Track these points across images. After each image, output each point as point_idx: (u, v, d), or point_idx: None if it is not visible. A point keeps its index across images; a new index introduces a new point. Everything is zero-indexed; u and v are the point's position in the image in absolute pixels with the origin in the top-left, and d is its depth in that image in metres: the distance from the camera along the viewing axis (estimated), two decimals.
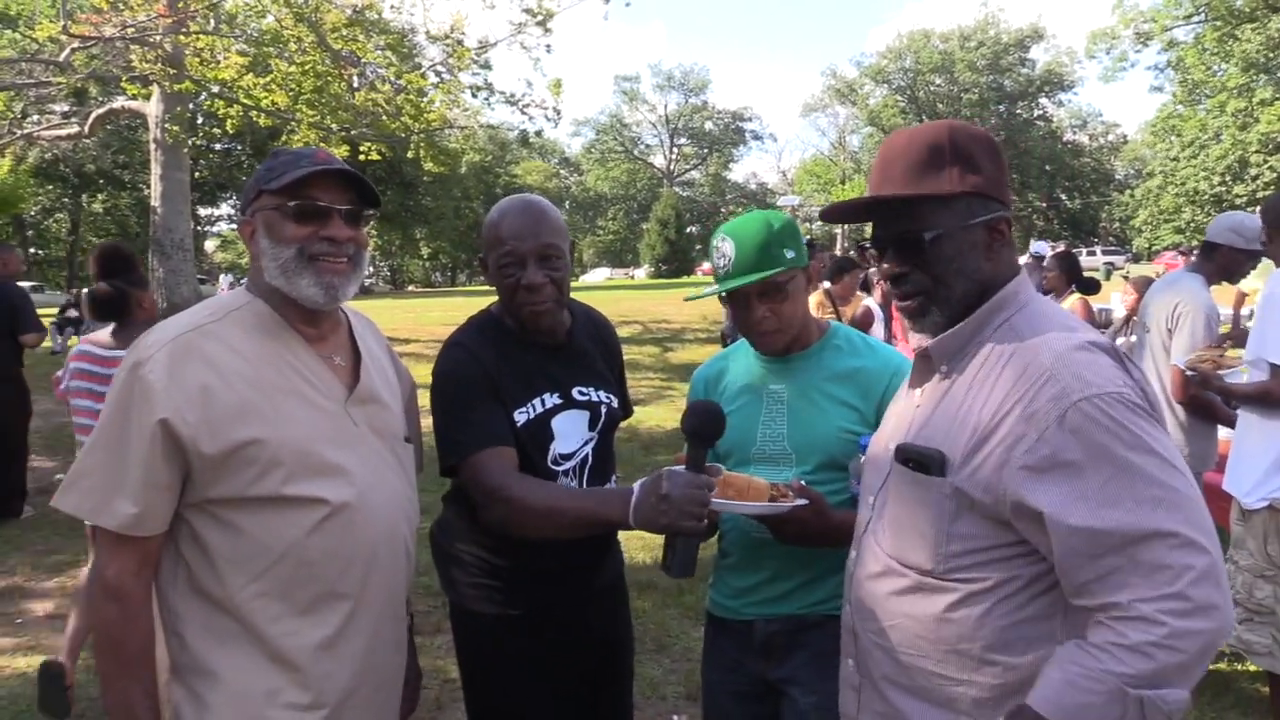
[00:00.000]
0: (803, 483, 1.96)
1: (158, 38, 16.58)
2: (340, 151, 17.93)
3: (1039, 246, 13.31)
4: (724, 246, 2.06)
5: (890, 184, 1.55)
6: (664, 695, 4.15)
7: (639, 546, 5.89)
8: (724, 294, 2.07)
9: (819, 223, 77.05)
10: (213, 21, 16.86)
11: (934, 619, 1.49)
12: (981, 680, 1.45)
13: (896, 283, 1.58)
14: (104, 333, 4.25)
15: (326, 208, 1.73)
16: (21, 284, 7.31)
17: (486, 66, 19.59)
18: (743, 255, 2.03)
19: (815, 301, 6.41)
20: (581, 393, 2.28)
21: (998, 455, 1.40)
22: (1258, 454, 3.42)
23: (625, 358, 2.63)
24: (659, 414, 10.44)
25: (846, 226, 63.58)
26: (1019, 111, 69.54)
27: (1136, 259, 54.24)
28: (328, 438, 1.75)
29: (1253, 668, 3.98)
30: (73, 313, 16.85)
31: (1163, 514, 1.30)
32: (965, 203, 1.52)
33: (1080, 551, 1.34)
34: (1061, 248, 12.95)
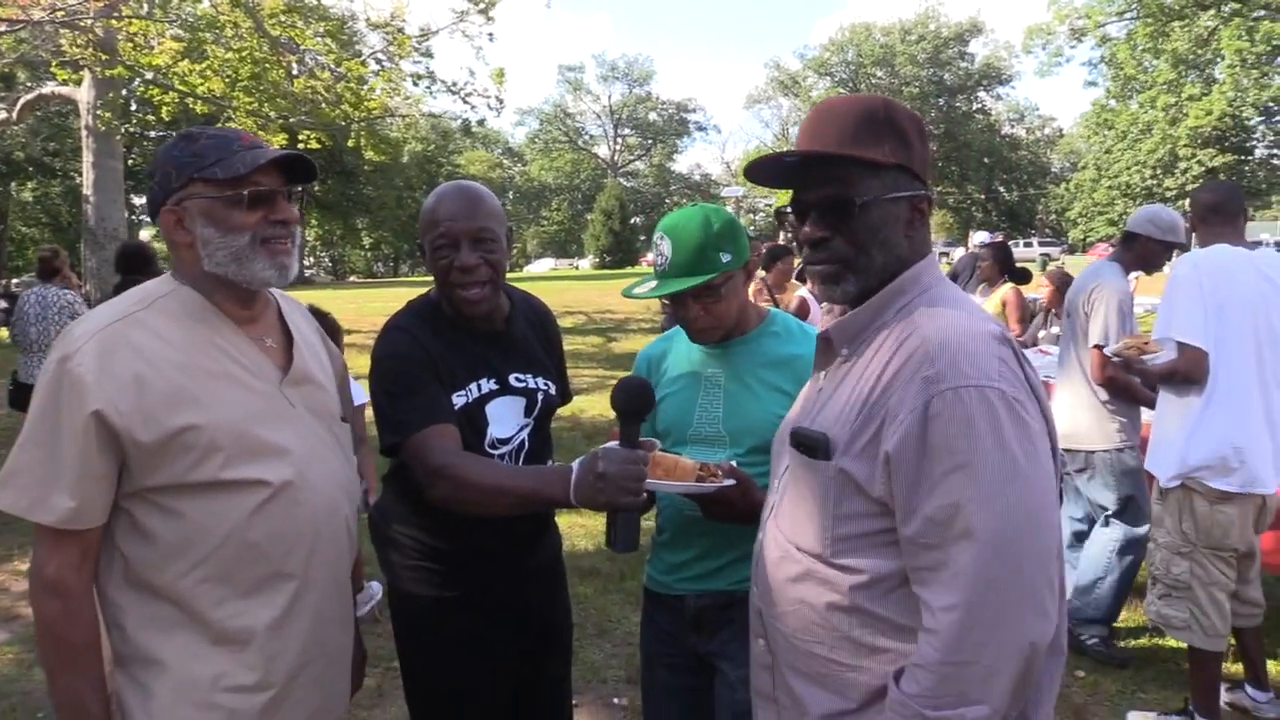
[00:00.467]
0: (733, 464, 2.01)
1: (89, 21, 16.12)
2: (278, 139, 17.62)
3: (983, 236, 13.61)
4: (662, 245, 2.11)
5: (823, 145, 1.52)
6: (605, 679, 4.21)
7: (581, 533, 5.94)
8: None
9: (762, 215, 77.56)
10: (146, 5, 16.46)
11: (826, 606, 1.49)
12: (874, 667, 1.45)
13: (816, 248, 1.55)
14: None
15: (272, 191, 1.74)
16: None
17: (428, 55, 19.44)
18: (679, 257, 2.07)
19: (753, 290, 6.46)
20: (518, 379, 2.31)
21: (877, 437, 1.42)
22: (1172, 433, 3.56)
23: (568, 348, 2.66)
24: (602, 403, 10.47)
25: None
26: (958, 105, 70.55)
27: (1072, 250, 55.44)
28: (264, 419, 1.75)
29: (1173, 643, 4.15)
30: (1, 303, 16.38)
31: (980, 517, 1.31)
32: (894, 175, 1.51)
33: (913, 539, 1.37)
34: (1000, 238, 13.31)
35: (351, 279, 58.56)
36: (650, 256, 2.18)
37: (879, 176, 1.51)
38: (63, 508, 1.61)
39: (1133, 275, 4.40)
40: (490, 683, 2.33)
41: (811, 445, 1.52)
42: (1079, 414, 4.30)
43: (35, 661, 4.38)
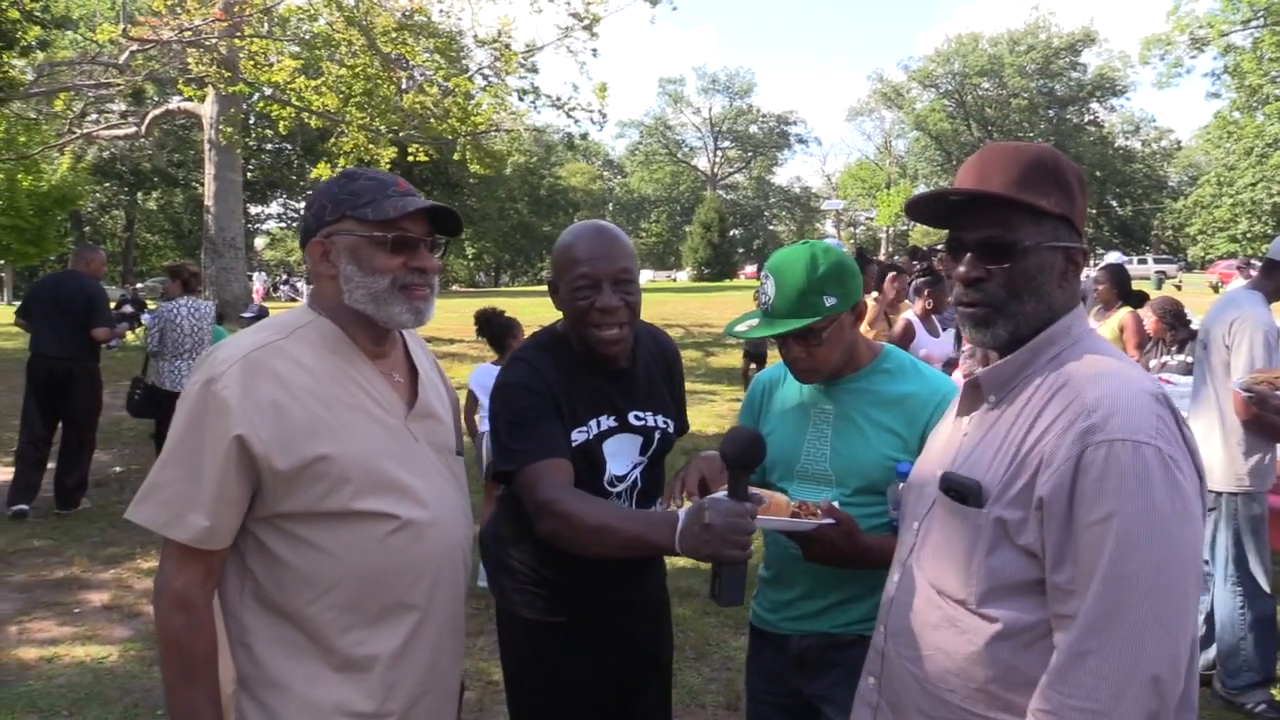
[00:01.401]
0: (833, 504, 1.97)
1: (213, 41, 16.90)
2: (388, 153, 18.17)
3: (1116, 256, 13.24)
4: (767, 284, 2.09)
5: (989, 187, 1.54)
6: (703, 704, 4.17)
7: None
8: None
9: (863, 228, 76.52)
10: (266, 25, 17.16)
11: (965, 656, 1.49)
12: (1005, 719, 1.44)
13: (970, 287, 1.55)
14: None
15: (417, 239, 1.79)
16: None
17: (533, 70, 19.78)
18: (782, 299, 2.05)
19: (871, 313, 6.30)
20: (638, 418, 2.31)
21: (1031, 483, 1.42)
22: None
23: None
24: (700, 419, 10.45)
25: (890, 231, 63.06)
26: (1069, 116, 68.59)
27: (1190, 268, 53.15)
28: (392, 454, 1.79)
29: None
30: (128, 308, 17.24)
31: (1123, 568, 1.31)
32: (1055, 225, 1.52)
33: (1059, 585, 1.38)
34: (1125, 258, 12.93)
35: (454, 288, 59.76)
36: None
37: (1041, 224, 1.52)
38: (198, 527, 1.66)
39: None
40: (590, 707, 2.34)
41: (963, 492, 1.51)
42: (1211, 453, 4.07)
43: (157, 660, 4.57)
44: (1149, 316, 7.10)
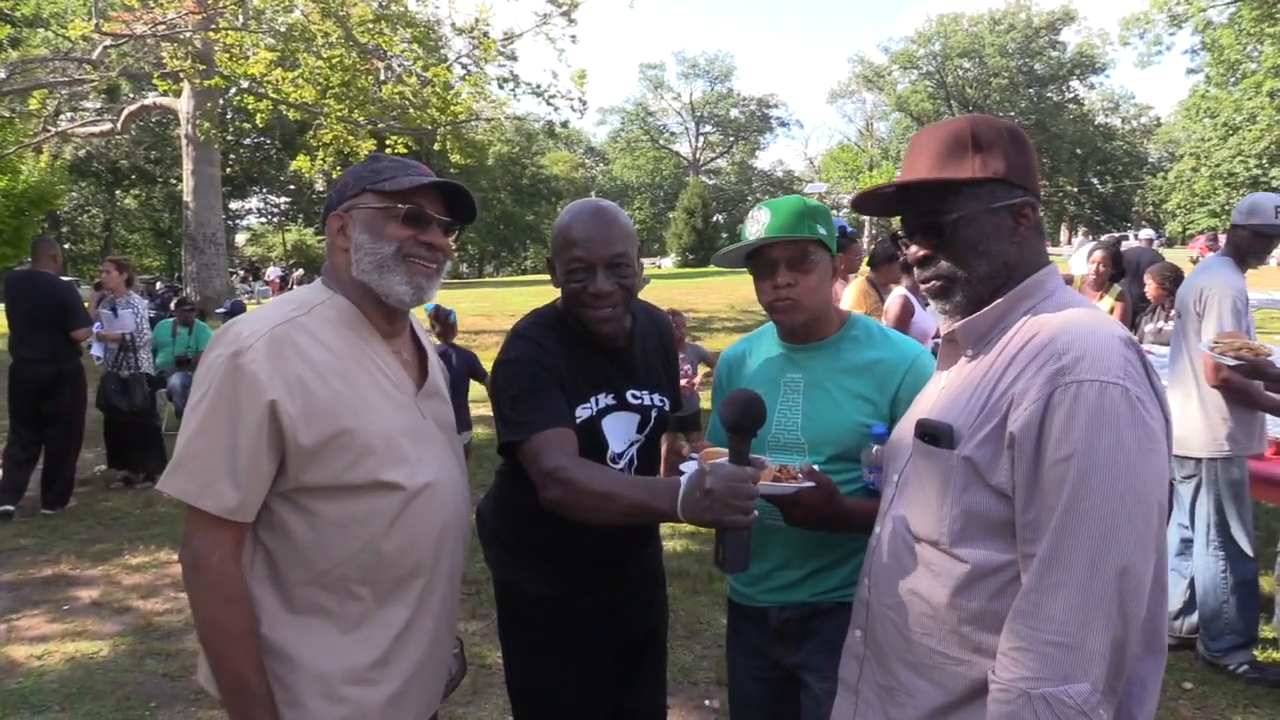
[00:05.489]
0: (813, 466, 1.98)
1: (187, 34, 16.75)
2: (367, 145, 18.06)
3: (1149, 234, 13.65)
4: (759, 214, 2.12)
5: (915, 174, 1.63)
6: (695, 680, 4.20)
7: (668, 533, 5.94)
8: (750, 261, 2.14)
9: (846, 210, 76.60)
10: (241, 17, 17.00)
11: (938, 600, 1.54)
12: (980, 662, 1.48)
13: (921, 265, 1.65)
14: None
15: (430, 216, 1.85)
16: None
17: (512, 58, 19.63)
18: (777, 220, 2.08)
19: (859, 290, 6.30)
20: (635, 396, 2.32)
21: (1002, 422, 1.47)
22: None
23: None
24: None
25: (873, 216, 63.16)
26: (1050, 95, 68.63)
27: (1170, 243, 53.42)
28: (404, 430, 1.83)
29: None
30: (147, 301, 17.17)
31: (1088, 504, 1.35)
32: (989, 188, 1.57)
33: (1028, 524, 1.42)
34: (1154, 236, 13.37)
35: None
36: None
37: (971, 193, 1.58)
38: (230, 497, 1.67)
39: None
40: (586, 681, 2.35)
41: (935, 434, 1.57)
42: (1190, 420, 4.12)
43: (148, 653, 4.57)
44: (1150, 283, 7.12)
